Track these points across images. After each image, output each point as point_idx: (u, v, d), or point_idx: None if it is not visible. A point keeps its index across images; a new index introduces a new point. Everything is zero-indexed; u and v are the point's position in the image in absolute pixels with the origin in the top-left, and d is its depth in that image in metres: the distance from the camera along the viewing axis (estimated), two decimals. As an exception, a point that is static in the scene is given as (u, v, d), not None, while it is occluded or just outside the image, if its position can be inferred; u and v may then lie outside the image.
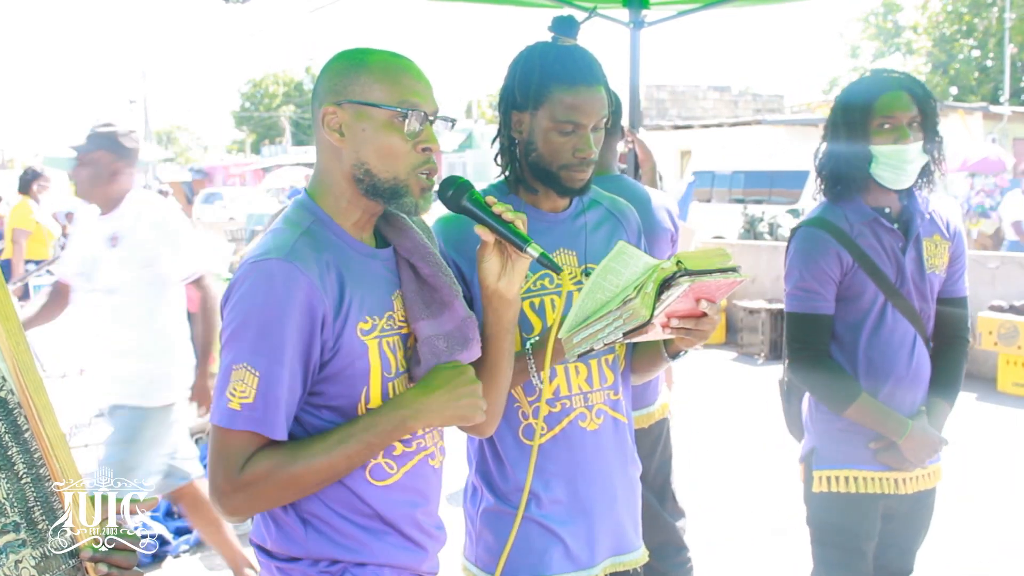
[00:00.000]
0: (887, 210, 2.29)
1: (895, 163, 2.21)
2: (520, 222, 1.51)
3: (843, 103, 2.28)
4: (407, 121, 1.44)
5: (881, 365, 2.27)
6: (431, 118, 1.47)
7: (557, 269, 1.50)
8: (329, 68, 1.49)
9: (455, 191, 1.52)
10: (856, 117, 2.23)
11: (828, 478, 2.31)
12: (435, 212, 1.84)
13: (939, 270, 2.33)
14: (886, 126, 2.20)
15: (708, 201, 15.68)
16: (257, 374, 1.36)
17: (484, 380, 1.58)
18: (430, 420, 1.46)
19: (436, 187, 1.54)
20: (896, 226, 2.28)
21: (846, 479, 2.30)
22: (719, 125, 22.51)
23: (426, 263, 1.53)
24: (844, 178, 2.27)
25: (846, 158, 2.26)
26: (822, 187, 2.35)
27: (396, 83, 1.45)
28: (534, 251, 1.49)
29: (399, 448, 1.51)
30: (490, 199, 1.52)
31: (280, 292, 1.37)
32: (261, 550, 1.53)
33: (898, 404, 2.27)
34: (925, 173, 2.28)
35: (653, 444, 2.86)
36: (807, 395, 2.41)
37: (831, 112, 2.32)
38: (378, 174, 1.45)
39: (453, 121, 1.55)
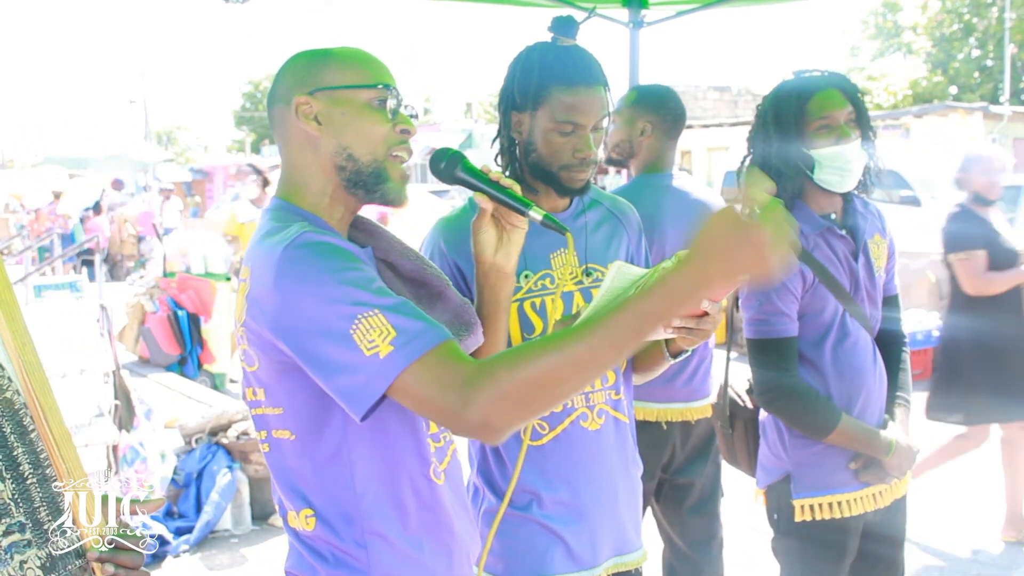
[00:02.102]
0: (832, 216, 2.22)
1: (839, 165, 2.12)
2: (517, 188, 1.47)
3: (775, 109, 2.17)
4: (388, 101, 1.41)
5: (852, 378, 2.19)
6: (405, 104, 1.45)
7: (563, 230, 1.46)
8: (292, 65, 1.45)
9: (448, 162, 1.48)
10: (791, 122, 2.13)
11: (812, 506, 2.22)
12: (435, 214, 1.84)
13: (882, 271, 2.28)
14: (824, 128, 2.11)
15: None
16: (376, 311, 1.22)
17: None
18: (712, 268, 1.15)
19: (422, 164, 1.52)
20: (843, 231, 2.21)
21: (830, 505, 2.21)
22: (719, 125, 22.50)
23: (406, 259, 1.50)
24: (785, 187, 2.16)
25: (786, 166, 2.15)
26: None
27: (368, 66, 1.43)
28: (537, 214, 1.44)
29: (432, 445, 1.45)
30: (485, 167, 1.49)
31: (329, 247, 1.29)
32: None
33: (871, 414, 2.22)
34: (864, 173, 2.19)
35: (712, 433, 2.87)
36: (767, 418, 2.31)
37: (761, 120, 2.22)
38: (360, 158, 1.40)
39: (415, 115, 1.50)
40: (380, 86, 1.41)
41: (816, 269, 2.15)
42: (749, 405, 2.43)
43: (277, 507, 1.48)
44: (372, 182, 1.42)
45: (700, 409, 2.84)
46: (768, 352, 2.19)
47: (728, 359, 2.50)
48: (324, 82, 1.41)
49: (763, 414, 2.34)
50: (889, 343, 2.31)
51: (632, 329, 1.19)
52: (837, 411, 2.15)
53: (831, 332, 2.19)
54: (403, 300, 1.27)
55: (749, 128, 2.27)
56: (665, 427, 2.77)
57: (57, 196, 15.19)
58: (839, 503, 2.21)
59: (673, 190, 2.85)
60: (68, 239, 13.86)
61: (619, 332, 1.19)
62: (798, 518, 2.23)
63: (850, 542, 2.25)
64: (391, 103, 1.42)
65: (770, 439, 2.30)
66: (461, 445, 1.94)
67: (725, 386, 2.49)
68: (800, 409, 2.17)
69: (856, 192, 2.24)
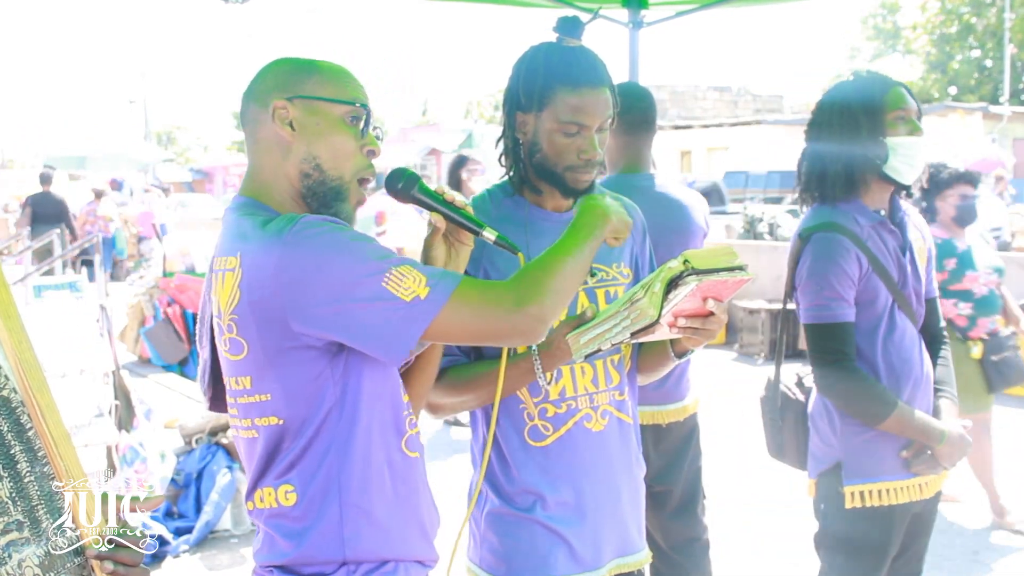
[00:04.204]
0: (882, 212, 2.28)
1: (911, 155, 2.20)
2: (470, 209, 1.56)
3: (856, 99, 2.24)
4: (360, 120, 1.48)
5: (901, 369, 2.23)
6: (375, 126, 1.52)
7: (515, 249, 1.55)
8: (273, 69, 1.52)
9: (405, 183, 1.55)
10: (873, 111, 2.20)
11: (862, 493, 2.24)
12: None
13: (923, 270, 2.33)
14: (900, 119, 2.20)
15: (740, 201, 15.52)
16: (402, 263, 1.35)
17: (416, 369, 1.63)
18: (601, 228, 1.55)
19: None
20: (894, 228, 2.27)
21: (879, 492, 2.23)
22: (719, 125, 22.53)
23: None
24: (855, 176, 2.23)
25: (862, 154, 2.22)
26: (821, 190, 2.29)
27: (347, 84, 1.50)
28: (490, 233, 1.53)
29: (414, 429, 1.53)
30: (439, 188, 1.56)
31: (335, 222, 1.39)
32: (279, 568, 1.45)
33: (918, 406, 2.25)
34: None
35: (688, 437, 2.87)
36: (816, 409, 2.34)
37: (836, 110, 2.26)
38: (328, 171, 1.47)
39: (381, 137, 1.56)
40: (357, 104, 1.49)
41: (870, 259, 2.21)
42: (800, 398, 2.45)
43: (246, 493, 1.51)
44: (330, 198, 1.48)
45: (673, 412, 2.82)
46: (827, 337, 2.23)
47: (781, 354, 2.52)
48: (304, 91, 1.48)
49: (811, 406, 2.38)
50: (931, 341, 2.36)
51: (590, 249, 1.52)
52: (893, 397, 2.20)
53: (882, 323, 2.24)
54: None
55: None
56: None
57: (98, 196, 13.89)
58: (888, 490, 2.24)
59: (647, 191, 2.81)
60: (109, 244, 13.12)
61: (587, 247, 1.51)
62: (848, 505, 2.25)
63: (896, 533, 2.27)
64: (362, 122, 1.49)
65: (821, 428, 2.33)
66: (461, 445, 1.93)
67: (776, 380, 2.50)
68: (859, 394, 2.22)
69: (908, 191, 2.30)
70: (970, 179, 4.17)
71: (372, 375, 1.44)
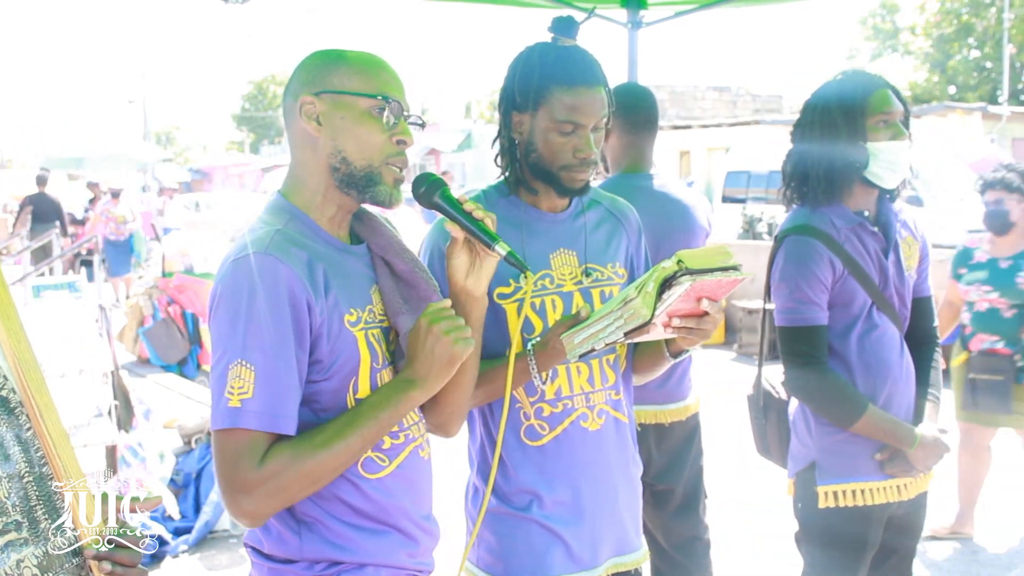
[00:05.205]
0: (866, 213, 2.27)
1: (892, 160, 2.18)
2: (490, 221, 1.54)
3: (836, 101, 2.22)
4: (385, 112, 1.48)
5: (878, 369, 2.23)
6: (405, 114, 1.51)
7: (523, 267, 1.53)
8: (305, 63, 1.53)
9: (427, 188, 1.55)
10: (853, 115, 2.19)
11: (835, 493, 2.25)
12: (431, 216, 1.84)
13: (912, 271, 2.33)
14: (882, 123, 2.18)
15: (743, 201, 15.47)
16: (253, 368, 1.36)
17: (451, 382, 1.59)
18: (431, 383, 1.46)
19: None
20: (876, 229, 2.26)
21: (853, 492, 2.24)
22: (718, 125, 22.49)
23: (401, 259, 1.56)
24: (836, 180, 2.22)
25: (842, 158, 2.20)
26: (801, 192, 2.29)
27: (375, 76, 1.50)
28: (502, 249, 1.52)
29: (388, 442, 1.52)
30: (462, 197, 1.55)
31: (264, 285, 1.38)
32: (255, 551, 1.52)
33: (896, 408, 2.25)
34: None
35: (690, 437, 2.88)
36: (796, 409, 2.35)
37: (817, 112, 2.26)
38: (354, 162, 1.48)
39: (422, 124, 1.57)
40: (380, 97, 1.47)
41: (846, 261, 2.20)
42: (783, 396, 2.46)
43: None
44: (364, 184, 1.49)
45: (675, 411, 2.83)
46: (797, 339, 2.23)
47: (762, 353, 2.52)
48: (330, 85, 1.48)
49: (792, 407, 2.38)
50: (922, 342, 2.35)
51: (377, 423, 1.43)
52: (864, 400, 2.20)
53: (858, 324, 2.23)
54: (275, 365, 1.38)
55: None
56: (639, 429, 2.76)
57: (115, 195, 12.83)
58: (862, 491, 2.24)
59: (649, 191, 2.82)
60: (124, 247, 12.30)
61: (372, 432, 1.43)
62: (821, 505, 2.26)
63: (872, 533, 2.27)
64: (388, 115, 1.48)
65: (798, 429, 2.34)
66: (460, 445, 1.93)
67: (759, 378, 2.51)
68: (828, 396, 2.22)
69: (891, 195, 2.29)
70: (1003, 185, 3.98)
71: (310, 404, 1.45)
